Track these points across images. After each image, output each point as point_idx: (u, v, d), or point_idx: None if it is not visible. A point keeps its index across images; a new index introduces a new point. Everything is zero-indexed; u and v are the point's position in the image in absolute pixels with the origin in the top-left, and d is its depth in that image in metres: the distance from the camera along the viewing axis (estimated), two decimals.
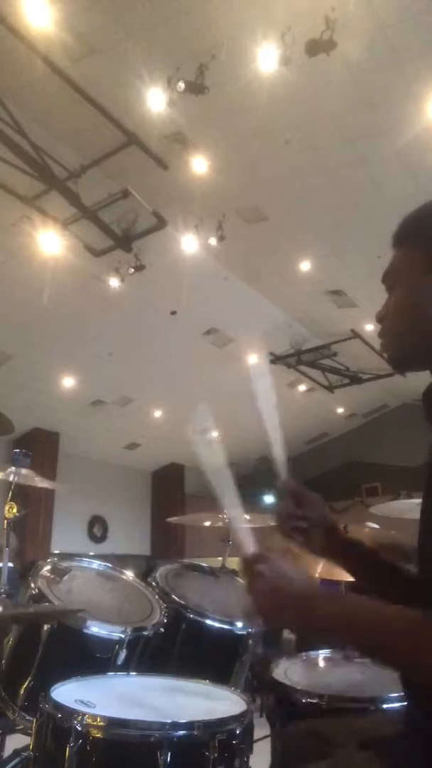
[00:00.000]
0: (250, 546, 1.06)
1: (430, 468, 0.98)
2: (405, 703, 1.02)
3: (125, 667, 1.82)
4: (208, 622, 2.03)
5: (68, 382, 9.01)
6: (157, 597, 2.11)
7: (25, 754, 1.80)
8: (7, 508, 2.09)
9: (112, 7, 4.21)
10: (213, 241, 6.28)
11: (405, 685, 0.99)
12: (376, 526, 3.35)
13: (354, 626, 0.88)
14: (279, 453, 1.24)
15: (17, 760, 1.84)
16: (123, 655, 1.80)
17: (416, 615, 0.83)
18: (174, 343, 8.62)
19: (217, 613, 2.06)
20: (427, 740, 0.90)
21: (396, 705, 1.39)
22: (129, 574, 2.29)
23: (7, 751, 2.01)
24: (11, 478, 2.08)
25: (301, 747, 1.21)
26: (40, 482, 2.22)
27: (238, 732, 1.32)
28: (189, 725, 1.26)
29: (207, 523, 2.72)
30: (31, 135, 4.80)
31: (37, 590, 1.94)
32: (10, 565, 2.41)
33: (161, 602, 2.07)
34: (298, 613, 0.92)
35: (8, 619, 1.85)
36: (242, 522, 1.11)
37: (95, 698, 1.37)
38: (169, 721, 1.26)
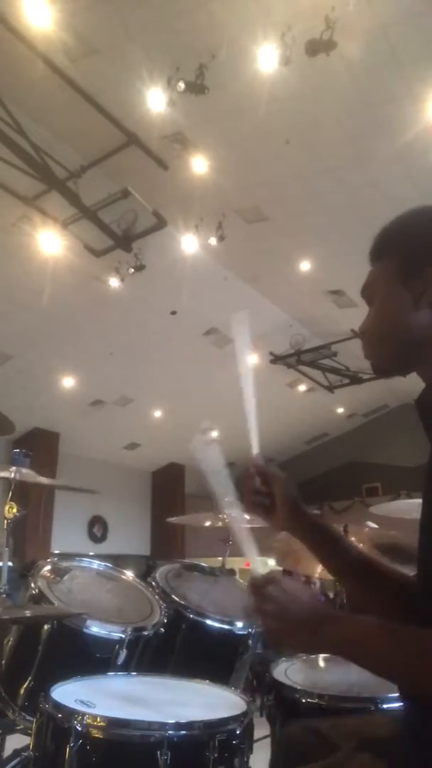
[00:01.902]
0: (251, 549, 1.06)
1: (428, 475, 0.98)
2: (402, 704, 1.02)
3: (125, 667, 1.82)
4: (208, 622, 2.03)
5: (68, 382, 9.02)
6: (157, 597, 2.11)
7: (25, 754, 1.80)
8: (7, 507, 2.09)
9: (112, 7, 4.21)
10: (213, 241, 6.29)
11: (401, 691, 0.99)
12: (375, 526, 3.35)
13: (364, 651, 0.88)
14: (252, 423, 1.24)
15: (17, 760, 1.84)
16: (123, 655, 1.80)
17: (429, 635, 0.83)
18: (174, 343, 8.63)
19: (217, 613, 2.06)
20: (426, 741, 0.90)
21: (395, 705, 1.38)
22: (129, 574, 2.29)
23: (7, 751, 2.01)
24: (12, 475, 2.08)
25: (301, 747, 1.21)
26: (41, 479, 2.20)
27: (238, 732, 1.31)
28: (189, 725, 1.26)
29: (207, 523, 2.72)
30: (31, 135, 4.79)
31: (37, 590, 1.94)
32: (9, 564, 2.41)
33: (161, 602, 2.07)
34: (305, 638, 0.92)
35: (8, 621, 1.85)
36: (243, 524, 1.11)
37: (95, 698, 1.36)
38: (169, 721, 1.26)
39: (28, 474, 2.12)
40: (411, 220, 1.04)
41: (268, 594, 0.95)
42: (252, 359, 1.27)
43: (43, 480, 2.17)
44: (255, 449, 1.23)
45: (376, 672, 0.90)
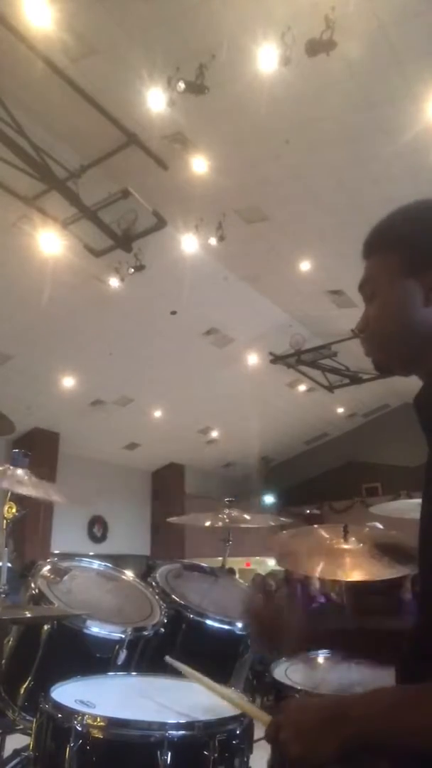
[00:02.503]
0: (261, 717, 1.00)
1: (427, 473, 0.96)
2: None
3: (125, 667, 1.82)
4: (208, 622, 2.03)
5: (68, 382, 9.02)
6: (157, 597, 2.10)
7: (25, 754, 1.80)
8: (6, 508, 2.09)
9: (112, 7, 4.22)
10: (213, 241, 6.29)
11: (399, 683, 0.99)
12: (381, 527, 3.33)
13: (404, 715, 0.77)
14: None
15: (17, 760, 1.84)
16: (123, 655, 1.80)
17: None
18: (174, 343, 8.63)
19: (217, 613, 2.06)
20: None
21: None
22: (129, 574, 2.28)
23: (7, 751, 2.00)
24: (4, 485, 2.06)
25: None
26: (35, 490, 2.14)
27: (238, 732, 1.31)
28: (189, 725, 1.26)
29: (207, 523, 2.72)
30: (31, 135, 4.80)
31: (37, 590, 1.94)
32: (9, 565, 2.40)
33: (161, 602, 2.07)
34: (331, 727, 0.80)
35: (8, 621, 1.85)
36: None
37: (95, 698, 1.36)
38: (169, 721, 1.26)
39: (22, 480, 2.10)
40: (416, 212, 1.01)
41: (280, 726, 0.87)
42: None
43: (38, 494, 2.13)
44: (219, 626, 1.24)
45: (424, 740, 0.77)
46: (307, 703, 0.92)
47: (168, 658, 1.33)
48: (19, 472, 2.11)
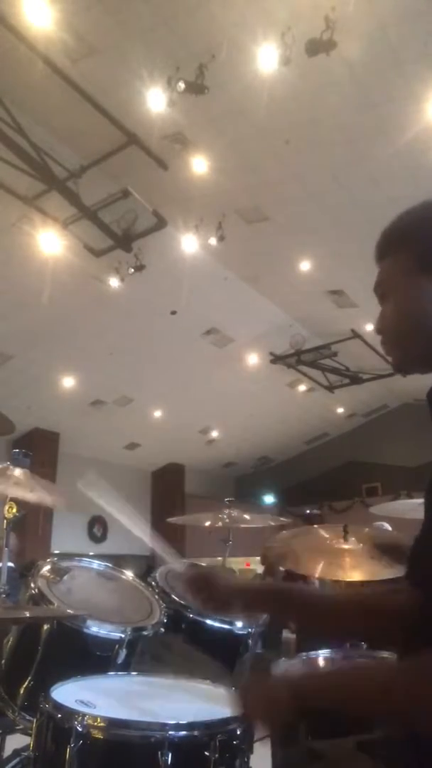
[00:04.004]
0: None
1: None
2: None
3: (125, 667, 1.82)
4: (208, 622, 2.03)
5: (68, 382, 9.02)
6: (157, 597, 2.11)
7: (25, 754, 1.80)
8: (6, 507, 2.09)
9: (112, 7, 4.22)
10: (213, 241, 6.29)
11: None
12: (387, 526, 3.32)
13: (359, 688, 0.86)
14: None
15: (17, 760, 1.84)
16: (123, 654, 1.80)
17: None
18: (174, 343, 8.63)
19: (217, 613, 2.06)
20: (424, 742, 0.90)
21: None
22: (129, 574, 2.28)
23: (7, 751, 2.00)
24: (1, 488, 2.06)
25: (301, 748, 1.20)
26: (33, 495, 2.15)
27: (238, 732, 1.31)
28: (190, 726, 1.26)
29: (207, 523, 2.72)
30: (31, 135, 4.80)
31: (37, 590, 1.94)
32: (10, 564, 2.40)
33: (161, 602, 2.07)
34: (294, 695, 0.91)
35: (8, 621, 1.85)
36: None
37: (95, 698, 1.36)
38: (169, 721, 1.26)
39: (21, 482, 2.10)
40: (423, 212, 1.02)
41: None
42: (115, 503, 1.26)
43: (35, 498, 2.13)
44: (175, 564, 1.26)
45: (391, 713, 0.85)
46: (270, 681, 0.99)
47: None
48: (18, 472, 2.11)
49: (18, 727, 1.89)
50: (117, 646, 1.81)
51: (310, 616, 1.17)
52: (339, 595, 1.19)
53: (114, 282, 6.77)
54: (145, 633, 1.89)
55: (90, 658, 1.79)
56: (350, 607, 1.13)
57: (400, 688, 0.81)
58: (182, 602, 2.06)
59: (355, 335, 8.80)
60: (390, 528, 3.28)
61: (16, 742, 1.95)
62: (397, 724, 0.91)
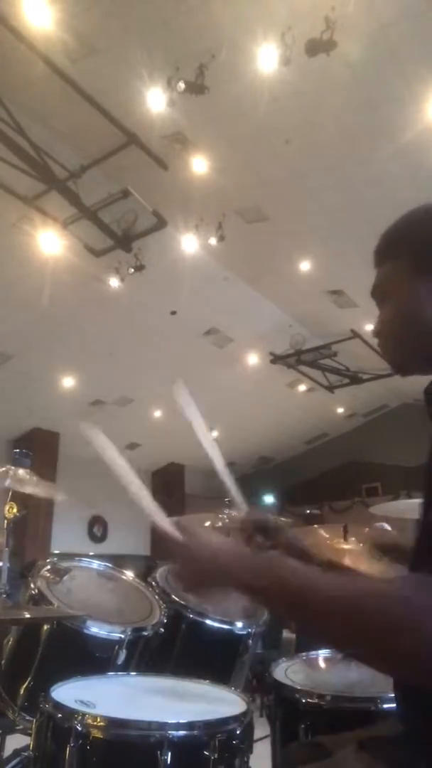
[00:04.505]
0: (163, 522, 1.07)
1: (427, 470, 0.97)
2: (397, 706, 1.01)
3: (125, 667, 1.82)
4: (208, 622, 2.03)
5: (68, 382, 9.01)
6: (157, 597, 2.11)
7: (25, 754, 1.80)
8: (7, 508, 2.09)
9: (112, 7, 4.21)
10: (213, 241, 6.29)
11: (394, 685, 0.99)
12: (387, 526, 3.33)
13: (293, 589, 0.79)
14: (225, 474, 1.25)
15: (17, 760, 1.84)
16: (123, 655, 1.80)
17: (401, 580, 0.76)
18: (174, 343, 8.63)
19: (217, 613, 2.06)
20: (425, 742, 0.90)
21: (396, 705, 1.38)
22: (129, 574, 2.29)
23: (7, 751, 2.01)
24: (7, 483, 2.07)
25: (301, 748, 1.21)
26: (36, 489, 2.17)
27: (238, 732, 1.31)
28: (189, 725, 1.26)
29: (207, 523, 2.72)
30: (31, 135, 4.80)
31: (36, 590, 1.94)
32: (9, 564, 2.41)
33: (161, 602, 2.07)
34: (222, 573, 0.91)
35: (8, 623, 1.85)
36: (150, 503, 1.13)
37: (95, 698, 1.36)
38: (169, 721, 1.26)
39: (23, 480, 2.11)
40: (422, 215, 1.03)
41: (180, 542, 0.98)
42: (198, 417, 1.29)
43: (39, 492, 2.14)
44: (241, 508, 1.26)
45: (317, 629, 0.80)
46: (195, 553, 0.98)
47: (82, 426, 1.27)
48: (21, 472, 2.11)
49: (18, 727, 1.89)
50: (117, 647, 1.81)
51: None
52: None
53: (114, 282, 6.77)
54: (145, 633, 1.90)
55: (90, 658, 1.79)
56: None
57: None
58: (182, 602, 2.06)
59: (355, 335, 8.80)
60: (389, 528, 3.28)
61: (16, 742, 1.95)
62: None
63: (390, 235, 1.06)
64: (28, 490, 2.06)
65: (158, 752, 1.20)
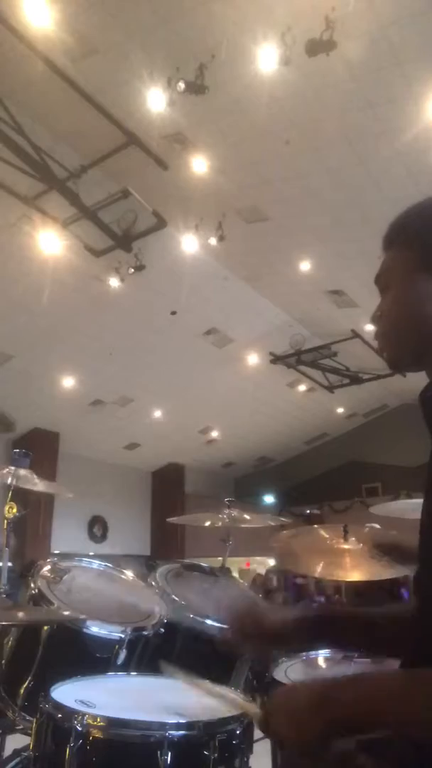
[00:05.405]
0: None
1: (430, 473, 0.96)
2: None
3: (125, 667, 1.82)
4: (208, 622, 2.03)
5: (68, 382, 9.02)
6: (157, 597, 2.10)
7: (25, 754, 1.80)
8: (7, 508, 2.09)
9: (112, 7, 4.22)
10: (213, 241, 6.29)
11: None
12: (377, 526, 3.33)
13: (390, 704, 0.78)
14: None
15: (17, 760, 1.84)
16: (123, 655, 1.80)
17: None
18: (174, 343, 8.63)
19: (217, 614, 2.06)
20: (425, 742, 0.90)
21: None
22: (129, 574, 2.28)
23: (7, 751, 2.00)
24: (9, 481, 2.07)
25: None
26: (39, 485, 2.18)
27: (238, 732, 1.31)
28: (189, 725, 1.26)
29: (207, 523, 2.72)
30: (31, 135, 4.80)
31: (36, 590, 1.94)
32: (9, 564, 2.41)
33: (161, 602, 2.07)
34: (319, 710, 0.81)
35: (7, 627, 1.85)
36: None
37: (95, 698, 1.36)
38: (169, 721, 1.26)
39: (25, 477, 2.11)
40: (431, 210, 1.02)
41: (270, 713, 0.88)
42: None
43: (41, 487, 2.15)
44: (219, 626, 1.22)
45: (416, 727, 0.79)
46: (296, 688, 0.92)
47: (163, 663, 1.32)
48: (22, 472, 2.12)
49: (18, 727, 1.88)
50: (117, 647, 1.81)
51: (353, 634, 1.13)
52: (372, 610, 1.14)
53: (114, 282, 6.77)
54: (145, 633, 1.89)
55: (90, 658, 1.79)
56: (386, 621, 1.10)
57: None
58: (182, 602, 2.06)
59: (355, 335, 8.80)
60: (380, 527, 3.28)
61: (16, 742, 1.95)
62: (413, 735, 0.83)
63: (399, 224, 1.04)
64: (31, 486, 2.07)
65: (158, 752, 1.20)
